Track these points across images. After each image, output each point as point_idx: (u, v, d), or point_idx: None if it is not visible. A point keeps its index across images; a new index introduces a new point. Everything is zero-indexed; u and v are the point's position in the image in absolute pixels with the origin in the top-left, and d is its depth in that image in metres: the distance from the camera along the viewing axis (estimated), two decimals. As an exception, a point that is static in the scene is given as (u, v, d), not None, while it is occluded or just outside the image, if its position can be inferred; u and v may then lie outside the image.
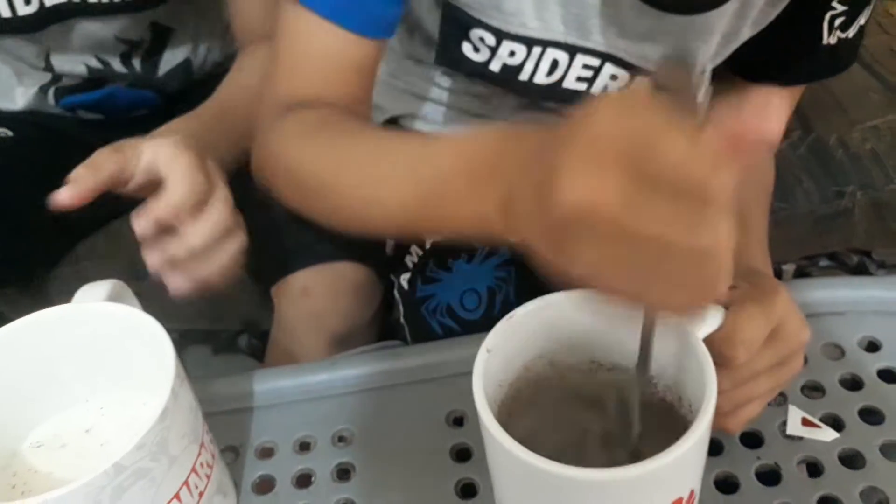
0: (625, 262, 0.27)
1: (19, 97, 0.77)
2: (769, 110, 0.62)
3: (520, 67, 0.55)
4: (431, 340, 0.55)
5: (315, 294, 0.61)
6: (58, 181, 0.78)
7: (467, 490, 0.43)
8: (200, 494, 0.37)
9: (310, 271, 0.61)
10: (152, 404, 0.37)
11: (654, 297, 0.28)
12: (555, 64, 0.55)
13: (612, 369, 0.39)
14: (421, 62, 0.67)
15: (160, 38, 0.74)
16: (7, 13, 0.63)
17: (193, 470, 0.36)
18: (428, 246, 0.61)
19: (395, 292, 0.64)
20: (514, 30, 0.53)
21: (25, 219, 0.73)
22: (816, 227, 0.99)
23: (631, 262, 0.27)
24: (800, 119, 1.03)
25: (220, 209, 0.44)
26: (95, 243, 0.81)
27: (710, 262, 0.27)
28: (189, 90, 0.80)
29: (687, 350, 0.35)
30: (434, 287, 0.59)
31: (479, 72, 0.56)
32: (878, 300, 0.51)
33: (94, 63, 0.73)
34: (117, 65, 0.74)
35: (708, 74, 0.65)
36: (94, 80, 0.76)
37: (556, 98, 0.58)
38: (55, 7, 0.65)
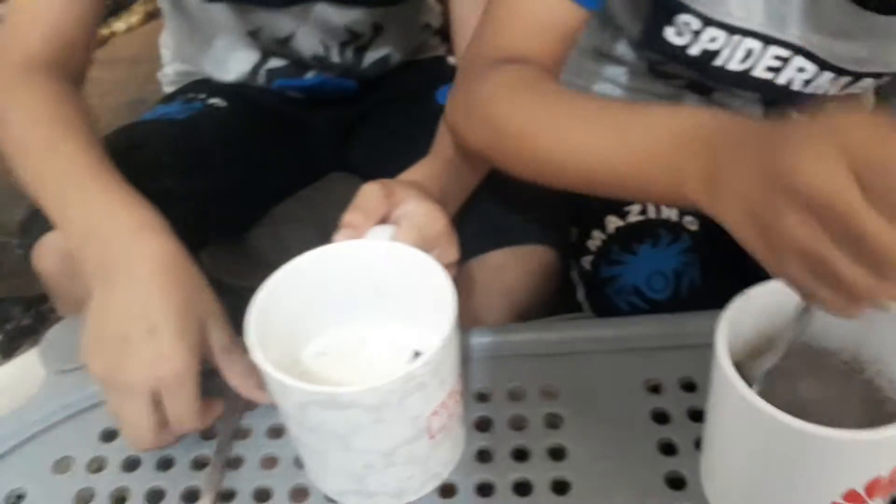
0: (819, 250, 0.30)
1: (232, 71, 0.85)
2: None
3: (717, 53, 0.59)
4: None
5: (509, 271, 0.66)
6: (260, 150, 0.86)
7: (667, 449, 0.47)
8: (449, 416, 0.43)
9: (506, 251, 0.66)
10: (422, 334, 0.44)
11: (824, 290, 0.31)
12: (749, 52, 0.59)
13: (832, 352, 0.42)
14: (604, 56, 0.71)
15: (375, 34, 0.82)
16: None
17: (451, 394, 0.42)
18: (611, 230, 0.66)
19: (574, 274, 0.69)
20: (718, 17, 0.57)
21: (229, 184, 0.81)
22: None
23: (826, 252, 0.30)
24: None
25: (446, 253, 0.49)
26: (289, 208, 0.89)
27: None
28: (382, 79, 0.88)
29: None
30: (619, 269, 0.63)
31: (677, 55, 0.60)
32: None
33: (319, 50, 0.81)
34: (335, 55, 0.82)
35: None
36: (302, 65, 0.84)
37: (742, 85, 0.62)
38: None
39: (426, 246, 0.46)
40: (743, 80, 0.61)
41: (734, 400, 0.37)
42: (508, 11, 0.55)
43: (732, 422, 0.39)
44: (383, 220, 0.47)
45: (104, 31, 1.52)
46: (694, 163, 0.38)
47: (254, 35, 0.81)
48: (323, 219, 0.58)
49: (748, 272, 0.59)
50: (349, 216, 0.48)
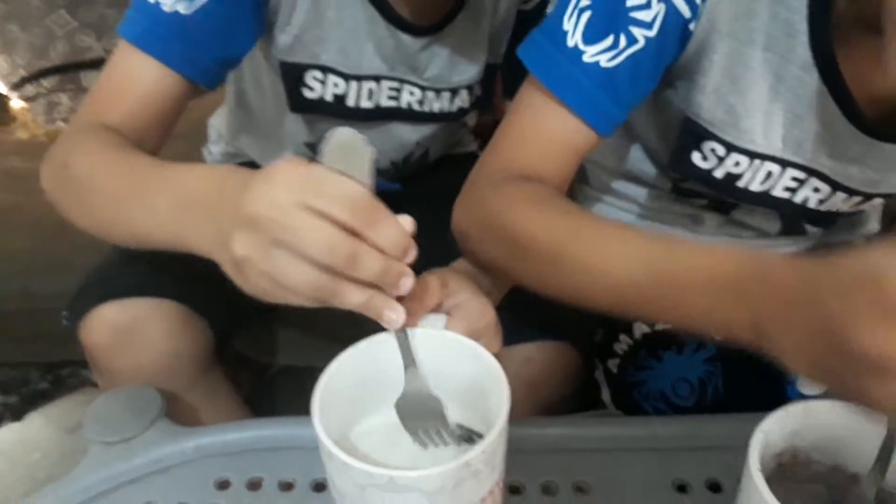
0: None
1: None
2: None
3: (739, 176, 0.64)
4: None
5: (535, 365, 0.68)
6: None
7: (697, 550, 0.49)
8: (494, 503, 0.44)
9: (533, 345, 0.69)
10: (469, 421, 0.46)
11: None
12: (768, 175, 0.63)
13: (853, 476, 0.44)
14: (628, 176, 0.76)
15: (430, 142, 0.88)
16: (352, 103, 0.76)
17: (497, 482, 0.43)
18: (638, 336, 0.69)
19: (600, 374, 0.71)
20: (743, 145, 0.62)
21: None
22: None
23: None
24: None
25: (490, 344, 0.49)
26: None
27: None
28: (419, 176, 0.93)
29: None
30: (645, 374, 0.66)
31: (703, 177, 0.65)
32: None
33: (378, 159, 0.86)
34: (390, 163, 0.87)
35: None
36: None
37: (762, 204, 0.66)
38: (387, 109, 0.78)
39: (473, 336, 0.48)
40: (763, 200, 0.65)
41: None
42: (530, 129, 0.60)
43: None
44: (437, 309, 0.49)
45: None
46: (739, 310, 0.41)
47: (312, 146, 0.86)
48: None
49: (772, 381, 0.62)
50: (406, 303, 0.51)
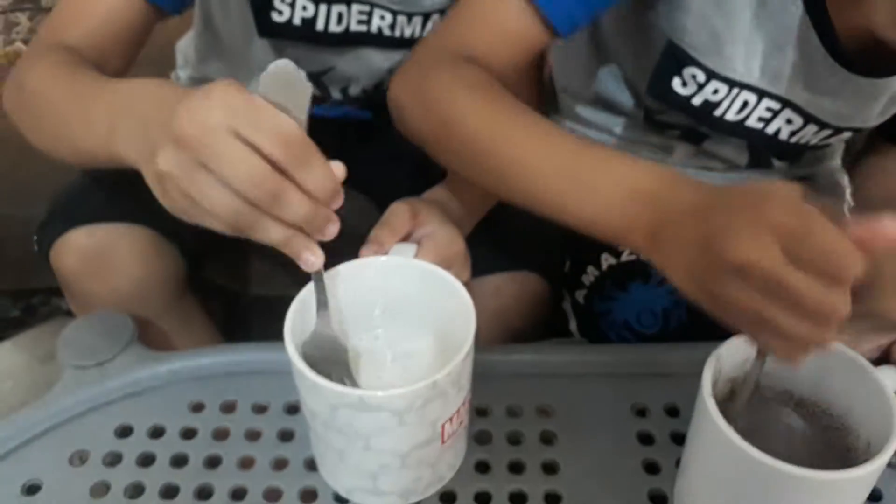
0: (760, 309, 0.37)
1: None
2: None
3: (717, 104, 0.64)
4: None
5: (505, 295, 0.70)
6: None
7: (651, 468, 0.51)
8: (460, 423, 0.46)
9: (503, 275, 0.70)
10: (436, 345, 0.48)
11: (770, 340, 0.39)
12: (745, 104, 0.64)
13: (798, 400, 0.47)
14: (604, 104, 0.76)
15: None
16: (321, 27, 0.75)
17: (463, 403, 0.45)
18: (605, 267, 0.70)
19: (567, 305, 0.73)
20: (724, 72, 0.62)
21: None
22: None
23: (765, 310, 0.37)
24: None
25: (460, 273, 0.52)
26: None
27: (826, 324, 0.36)
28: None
29: (873, 395, 0.43)
30: (611, 304, 0.67)
31: (681, 104, 0.66)
32: None
33: (349, 85, 0.84)
34: (361, 90, 0.85)
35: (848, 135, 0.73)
36: (320, 97, 0.87)
37: (736, 134, 0.68)
38: (357, 33, 0.77)
39: (443, 265, 0.49)
40: (737, 129, 0.66)
41: (714, 433, 0.41)
42: (480, 13, 0.58)
43: (710, 452, 0.43)
44: (406, 238, 0.50)
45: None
46: (643, 216, 0.44)
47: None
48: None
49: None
50: (377, 232, 0.52)
